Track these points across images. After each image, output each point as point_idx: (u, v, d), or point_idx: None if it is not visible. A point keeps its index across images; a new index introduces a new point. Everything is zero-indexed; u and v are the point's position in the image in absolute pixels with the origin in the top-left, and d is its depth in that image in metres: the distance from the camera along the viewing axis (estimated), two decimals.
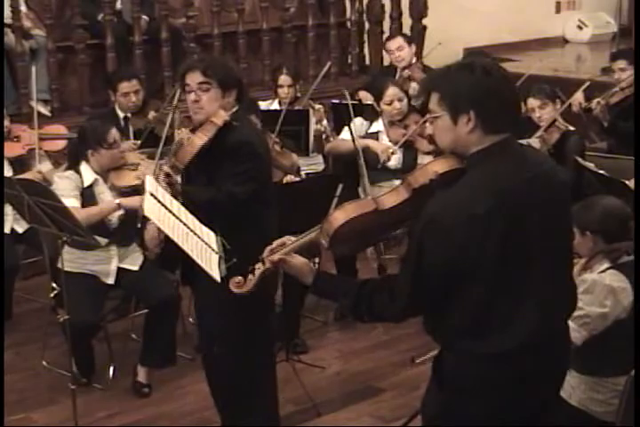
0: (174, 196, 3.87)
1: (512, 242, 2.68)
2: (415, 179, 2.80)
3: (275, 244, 2.99)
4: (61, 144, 5.98)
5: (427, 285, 2.72)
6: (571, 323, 3.44)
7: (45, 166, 5.66)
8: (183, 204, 3.80)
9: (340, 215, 2.82)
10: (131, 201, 4.73)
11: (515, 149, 2.80)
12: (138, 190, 4.70)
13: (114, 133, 4.90)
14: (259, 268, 2.99)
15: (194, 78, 3.92)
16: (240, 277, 3.02)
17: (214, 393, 4.29)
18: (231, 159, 3.88)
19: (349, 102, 6.03)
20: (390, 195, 2.84)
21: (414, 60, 7.29)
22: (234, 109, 3.98)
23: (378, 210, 2.81)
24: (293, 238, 2.97)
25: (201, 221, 3.69)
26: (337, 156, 6.23)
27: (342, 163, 6.16)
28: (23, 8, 6.99)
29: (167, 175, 3.99)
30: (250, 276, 3.00)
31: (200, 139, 3.90)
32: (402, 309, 2.79)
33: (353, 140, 5.39)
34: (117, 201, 4.78)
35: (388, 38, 7.62)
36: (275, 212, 4.07)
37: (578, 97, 6.33)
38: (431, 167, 2.79)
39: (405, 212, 2.82)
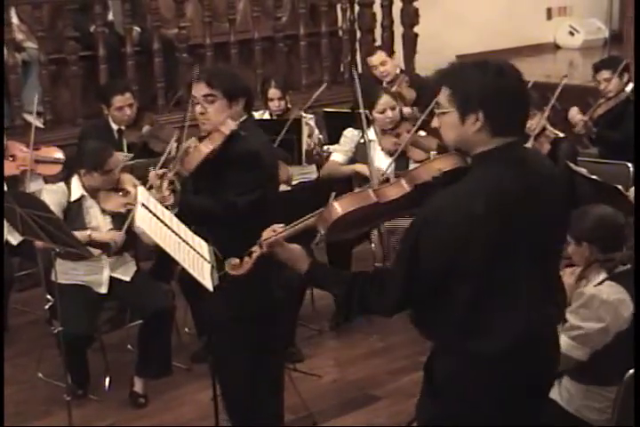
0: (175, 204, 3.93)
1: (505, 243, 2.68)
2: (418, 175, 2.82)
3: (271, 228, 3.06)
4: (56, 169, 5.97)
5: (418, 280, 2.72)
6: (571, 342, 3.44)
7: (38, 185, 5.65)
8: (182, 212, 3.84)
9: (340, 206, 2.86)
10: (103, 236, 4.84)
11: (519, 153, 2.77)
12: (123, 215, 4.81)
13: (113, 161, 4.88)
14: (255, 251, 3.08)
15: (199, 90, 3.91)
16: (237, 260, 3.12)
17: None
18: (235, 169, 3.86)
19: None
20: (392, 188, 2.86)
21: (398, 71, 7.24)
22: (242, 119, 3.95)
23: (378, 203, 2.84)
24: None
25: (197, 229, 3.70)
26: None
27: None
28: (15, 20, 7.01)
29: (171, 183, 4.02)
30: (246, 258, 3.10)
31: (206, 147, 3.90)
32: (392, 302, 2.80)
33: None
34: (88, 232, 4.80)
35: (369, 54, 7.44)
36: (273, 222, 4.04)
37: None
38: (435, 165, 2.81)
39: (404, 204, 2.85)
